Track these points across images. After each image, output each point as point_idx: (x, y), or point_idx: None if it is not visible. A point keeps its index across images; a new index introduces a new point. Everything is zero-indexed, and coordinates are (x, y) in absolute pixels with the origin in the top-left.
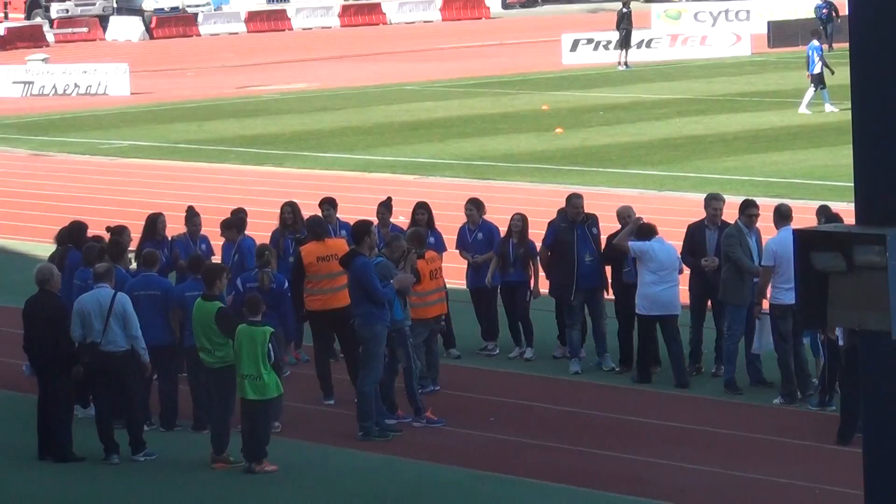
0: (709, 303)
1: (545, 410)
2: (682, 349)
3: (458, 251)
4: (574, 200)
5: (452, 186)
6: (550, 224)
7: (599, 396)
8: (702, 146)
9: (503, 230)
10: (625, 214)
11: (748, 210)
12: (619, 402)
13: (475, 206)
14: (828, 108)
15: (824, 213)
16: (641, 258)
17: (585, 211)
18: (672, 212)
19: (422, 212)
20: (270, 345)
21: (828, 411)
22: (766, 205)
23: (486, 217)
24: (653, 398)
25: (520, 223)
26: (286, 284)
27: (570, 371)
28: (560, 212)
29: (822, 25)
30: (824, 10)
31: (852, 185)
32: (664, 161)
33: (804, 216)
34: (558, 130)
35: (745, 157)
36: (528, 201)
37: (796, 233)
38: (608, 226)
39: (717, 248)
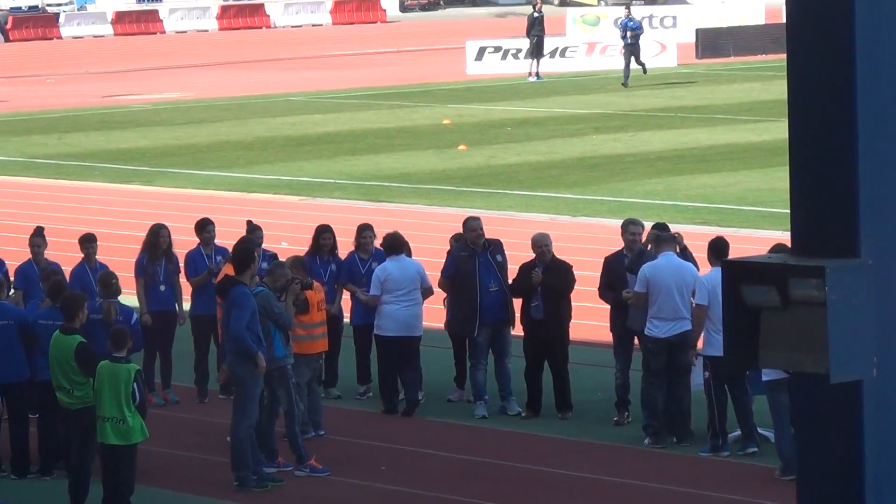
0: (635, 341)
1: (444, 459)
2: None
3: (342, 283)
4: (471, 223)
5: (342, 209)
6: (449, 253)
7: (505, 444)
8: (621, 166)
9: None
10: (541, 243)
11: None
12: (527, 451)
13: (371, 231)
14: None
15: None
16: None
17: (486, 236)
18: (588, 239)
19: (326, 236)
20: (136, 384)
21: (720, 456)
22: (695, 233)
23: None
24: (564, 446)
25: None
26: (134, 318)
27: (475, 415)
28: (457, 237)
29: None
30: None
31: (787, 211)
32: (579, 183)
33: (735, 245)
34: (461, 147)
35: (669, 179)
36: (427, 226)
37: (725, 264)
38: (517, 254)
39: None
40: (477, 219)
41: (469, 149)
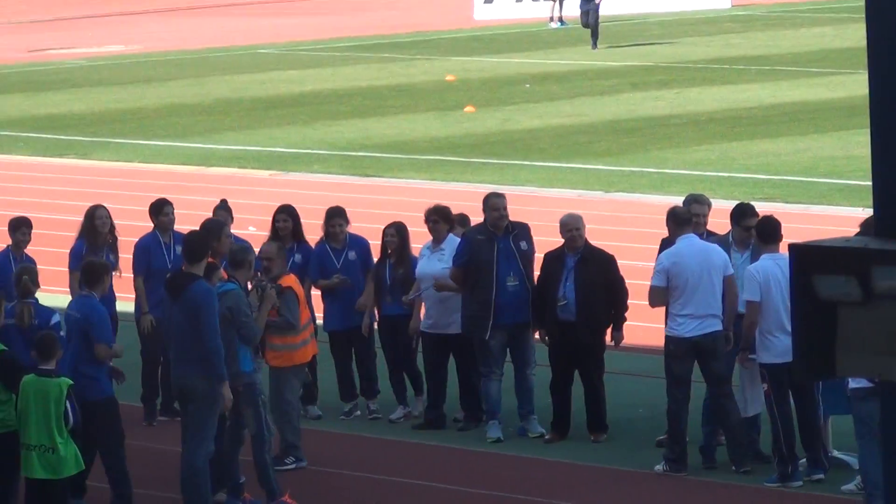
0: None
1: (449, 494)
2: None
3: (312, 280)
4: (493, 201)
5: (323, 185)
6: (464, 236)
7: (524, 473)
8: (664, 131)
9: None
10: (571, 226)
11: (745, 220)
12: (551, 482)
13: (343, 218)
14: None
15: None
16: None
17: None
18: (625, 220)
19: (282, 218)
20: (68, 402)
21: (791, 487)
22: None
23: (352, 229)
24: (597, 476)
25: (395, 236)
26: (55, 320)
27: (487, 438)
28: (459, 219)
29: None
30: None
31: (869, 183)
32: (613, 151)
33: (804, 226)
34: (468, 109)
35: (723, 146)
36: (425, 206)
37: (794, 250)
38: (537, 239)
39: None
40: (501, 196)
41: (478, 111)
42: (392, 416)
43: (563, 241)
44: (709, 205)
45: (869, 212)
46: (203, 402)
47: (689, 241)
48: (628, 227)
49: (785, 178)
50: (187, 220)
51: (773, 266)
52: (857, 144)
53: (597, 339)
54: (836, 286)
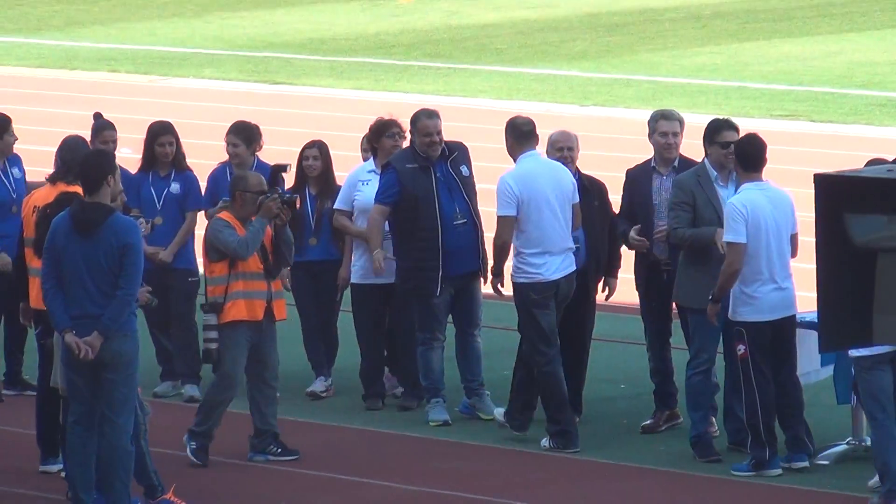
0: (673, 306)
1: (382, 491)
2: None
3: (204, 211)
4: (424, 123)
5: (216, 95)
6: (389, 166)
7: (474, 466)
8: (658, 28)
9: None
10: (563, 144)
11: (721, 135)
12: (508, 477)
13: (241, 136)
14: None
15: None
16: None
17: (446, 139)
18: (605, 143)
19: (165, 140)
20: None
21: (768, 475)
22: (776, 132)
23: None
24: (567, 469)
25: (319, 158)
26: None
27: (430, 421)
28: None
29: None
30: None
31: None
32: (591, 53)
33: (834, 151)
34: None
35: (732, 48)
36: (348, 122)
37: (820, 181)
38: (490, 167)
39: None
40: (434, 115)
41: (416, 0)
42: (311, 389)
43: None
44: (680, 121)
45: None
46: (130, 366)
47: (535, 160)
48: (610, 152)
49: (811, 88)
50: (46, 139)
51: (761, 197)
52: None
53: (591, 294)
54: (875, 228)
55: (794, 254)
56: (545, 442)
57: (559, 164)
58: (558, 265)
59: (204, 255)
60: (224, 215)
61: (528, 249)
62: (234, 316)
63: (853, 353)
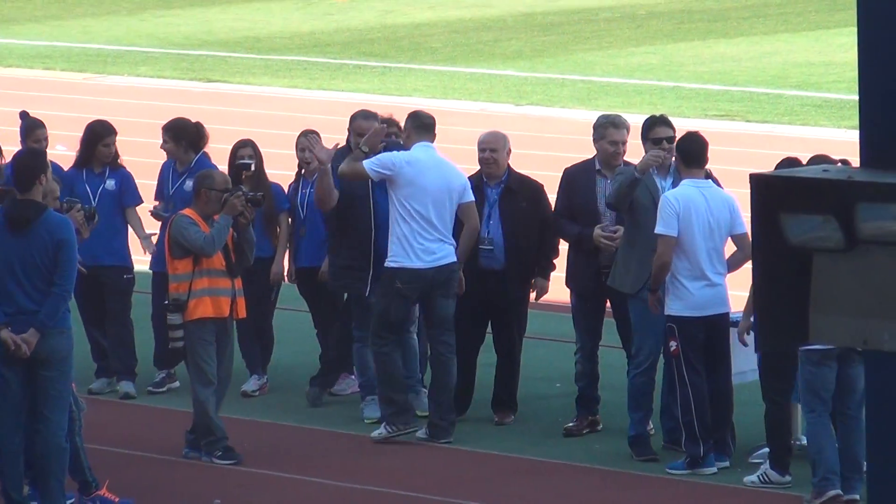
0: (607, 303)
1: (318, 489)
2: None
3: (150, 211)
4: (360, 124)
5: (152, 93)
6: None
7: (406, 464)
8: (593, 28)
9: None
10: (485, 146)
11: (654, 131)
12: (441, 476)
13: (169, 133)
14: None
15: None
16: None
17: (384, 136)
18: (540, 142)
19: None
20: None
21: (704, 474)
22: (711, 131)
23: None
24: (500, 468)
25: (253, 159)
26: None
27: (364, 419)
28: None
29: None
30: None
31: (855, 97)
32: (527, 53)
33: (769, 151)
34: None
35: (668, 48)
36: (283, 120)
37: (756, 181)
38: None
39: None
40: (371, 115)
41: None
42: (243, 388)
43: (478, 165)
44: (627, 128)
45: (853, 134)
46: (65, 362)
47: (427, 152)
48: (545, 151)
49: (746, 89)
50: None
51: (697, 194)
52: (840, 47)
53: (525, 291)
54: (810, 228)
55: (745, 253)
56: (379, 432)
57: (451, 163)
58: (431, 258)
59: (167, 252)
60: (188, 212)
61: (415, 237)
62: (201, 313)
63: (806, 346)
